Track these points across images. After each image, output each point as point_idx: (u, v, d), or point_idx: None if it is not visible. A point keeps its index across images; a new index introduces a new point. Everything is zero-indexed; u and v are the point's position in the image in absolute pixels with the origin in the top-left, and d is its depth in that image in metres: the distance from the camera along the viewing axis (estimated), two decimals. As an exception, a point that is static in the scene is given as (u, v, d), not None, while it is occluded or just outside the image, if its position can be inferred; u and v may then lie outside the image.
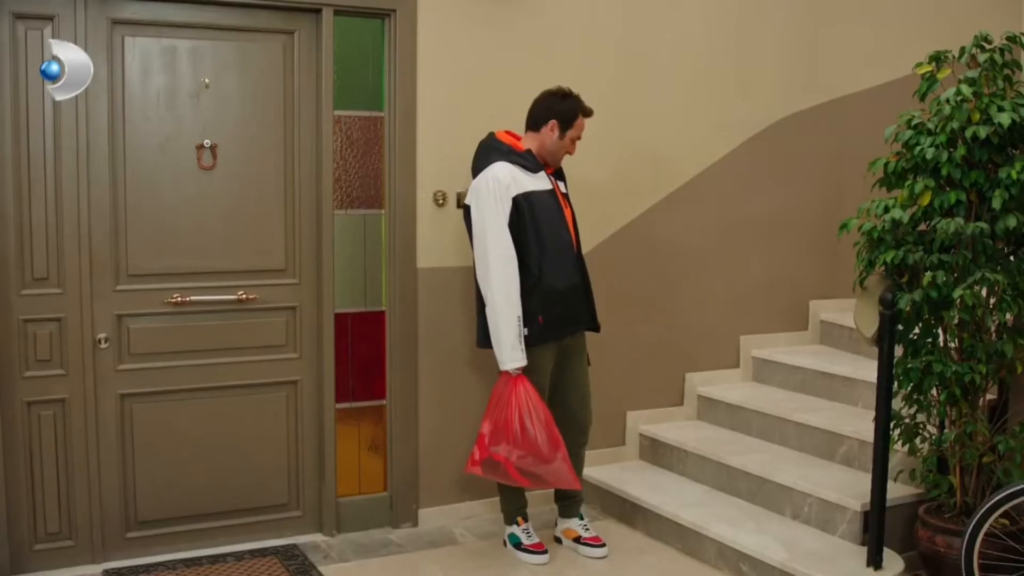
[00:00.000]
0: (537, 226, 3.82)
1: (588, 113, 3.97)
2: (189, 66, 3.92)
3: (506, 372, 3.76)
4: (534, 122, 3.96)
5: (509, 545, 4.06)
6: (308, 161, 4.13)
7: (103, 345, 3.86)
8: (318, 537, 4.23)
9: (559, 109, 3.92)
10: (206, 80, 3.95)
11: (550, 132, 3.92)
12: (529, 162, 3.88)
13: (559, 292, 3.89)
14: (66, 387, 3.82)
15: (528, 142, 3.95)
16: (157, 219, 3.92)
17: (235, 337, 4.07)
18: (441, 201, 4.29)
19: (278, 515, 4.21)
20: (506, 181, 3.79)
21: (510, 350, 3.74)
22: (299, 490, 4.24)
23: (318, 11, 4.05)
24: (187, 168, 3.95)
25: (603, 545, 4.08)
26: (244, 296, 4.06)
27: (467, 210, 3.89)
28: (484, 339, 3.91)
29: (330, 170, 4.12)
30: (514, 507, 4.07)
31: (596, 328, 4.12)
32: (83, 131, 3.76)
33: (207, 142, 3.97)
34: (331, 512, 4.23)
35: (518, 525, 4.05)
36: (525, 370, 3.78)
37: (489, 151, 3.90)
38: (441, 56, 4.24)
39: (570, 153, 4.00)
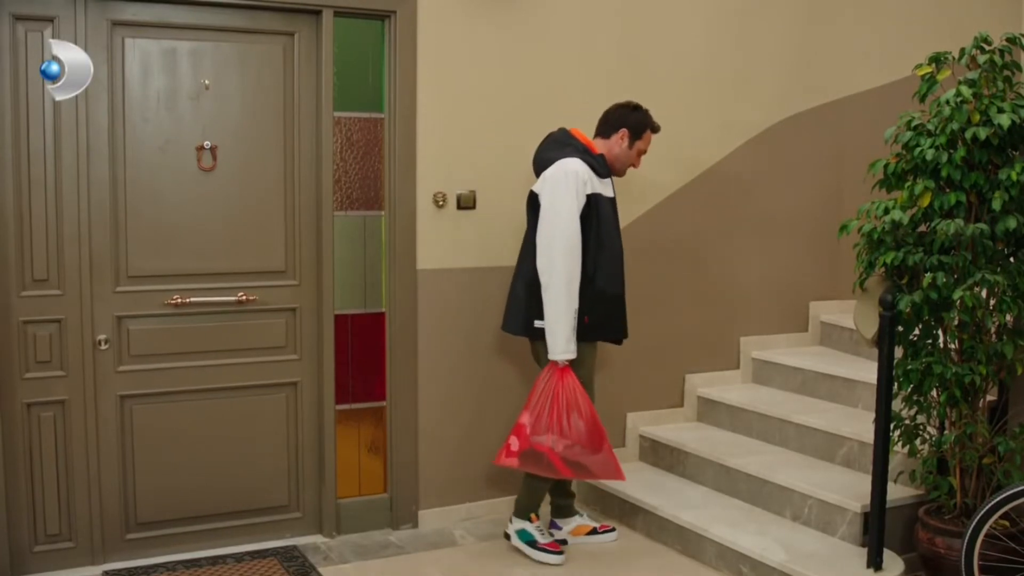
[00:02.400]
0: (599, 229, 3.86)
1: (656, 129, 4.05)
2: (189, 67, 3.92)
3: (554, 363, 3.79)
4: (605, 130, 4.01)
5: (518, 541, 4.02)
6: (308, 162, 4.13)
7: (103, 346, 3.86)
8: (318, 538, 4.23)
9: (632, 120, 3.98)
10: (206, 81, 3.95)
11: (620, 140, 3.98)
12: (601, 166, 3.92)
13: (607, 297, 3.92)
14: (66, 388, 3.82)
15: (599, 147, 3.98)
16: (157, 220, 3.92)
17: (235, 338, 4.07)
18: (441, 203, 4.28)
19: (278, 516, 4.21)
20: (584, 177, 3.82)
21: (564, 342, 3.76)
22: (299, 491, 4.24)
23: (318, 12, 4.05)
24: (187, 169, 3.95)
25: (615, 529, 4.28)
26: (244, 297, 4.06)
27: (532, 199, 3.89)
28: (512, 323, 3.96)
29: (330, 171, 4.12)
30: (534, 503, 4.04)
31: (620, 340, 4.12)
32: (83, 132, 3.76)
33: (207, 143, 3.97)
34: (331, 513, 4.23)
35: (531, 522, 4.03)
36: (571, 364, 3.81)
37: (563, 144, 3.92)
38: (441, 58, 4.24)
39: (635, 166, 4.06)
